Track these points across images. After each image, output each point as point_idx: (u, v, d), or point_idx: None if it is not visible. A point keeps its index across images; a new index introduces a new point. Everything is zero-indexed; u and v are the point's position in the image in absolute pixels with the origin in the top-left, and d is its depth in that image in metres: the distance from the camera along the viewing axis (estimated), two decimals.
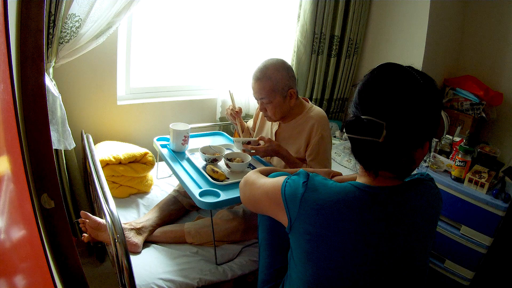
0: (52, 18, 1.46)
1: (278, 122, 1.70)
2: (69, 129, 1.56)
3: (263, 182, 0.98)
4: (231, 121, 1.81)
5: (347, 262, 0.80)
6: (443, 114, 2.21)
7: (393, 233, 0.80)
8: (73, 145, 1.58)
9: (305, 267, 0.85)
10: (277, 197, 0.89)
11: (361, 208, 0.79)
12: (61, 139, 1.51)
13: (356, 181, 0.85)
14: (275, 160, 1.70)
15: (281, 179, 0.91)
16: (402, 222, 0.81)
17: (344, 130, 0.81)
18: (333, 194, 0.81)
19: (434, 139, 2.10)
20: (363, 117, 0.76)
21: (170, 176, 2.00)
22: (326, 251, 0.80)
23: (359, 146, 0.80)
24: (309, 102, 1.69)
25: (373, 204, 0.79)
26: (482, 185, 1.80)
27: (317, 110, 1.63)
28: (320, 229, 0.80)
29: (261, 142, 1.57)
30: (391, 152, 0.77)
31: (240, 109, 1.78)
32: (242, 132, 1.81)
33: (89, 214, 1.40)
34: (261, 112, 1.84)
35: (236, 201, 1.34)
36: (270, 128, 1.75)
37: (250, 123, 1.98)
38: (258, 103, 1.63)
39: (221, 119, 2.36)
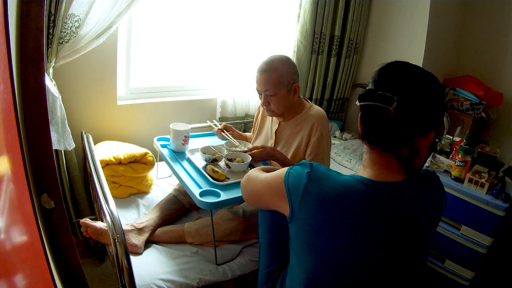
0: (52, 18, 1.46)
1: (278, 121, 1.70)
2: (68, 129, 1.56)
3: (265, 176, 1.00)
4: (221, 138, 1.79)
5: (347, 255, 0.81)
6: None
7: (394, 229, 0.81)
8: (72, 145, 1.58)
9: (305, 257, 0.86)
10: (280, 187, 0.90)
11: (363, 202, 0.80)
12: (61, 140, 1.51)
13: (360, 174, 0.85)
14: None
15: (284, 170, 0.93)
16: (404, 219, 0.81)
17: (357, 102, 0.85)
18: (336, 186, 0.81)
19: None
20: (378, 92, 0.81)
21: (170, 176, 2.00)
22: (326, 243, 0.82)
23: (369, 113, 0.84)
24: (309, 101, 1.70)
25: (376, 199, 0.80)
26: (482, 185, 1.80)
27: (317, 109, 1.64)
28: (321, 221, 0.81)
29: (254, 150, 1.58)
30: (398, 128, 0.80)
31: (224, 125, 1.79)
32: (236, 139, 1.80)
33: (88, 222, 1.39)
34: (260, 113, 1.84)
35: (236, 201, 1.34)
36: (270, 127, 1.75)
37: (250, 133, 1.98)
38: (260, 98, 1.61)
39: (221, 119, 2.36)
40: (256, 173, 1.07)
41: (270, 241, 1.11)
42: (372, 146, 0.85)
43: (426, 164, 2.05)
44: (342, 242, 0.80)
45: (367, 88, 0.85)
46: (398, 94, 0.78)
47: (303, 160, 0.93)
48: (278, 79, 1.52)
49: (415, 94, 0.80)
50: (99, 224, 1.39)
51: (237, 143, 1.70)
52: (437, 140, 2.12)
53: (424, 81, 0.82)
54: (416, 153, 0.82)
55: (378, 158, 0.84)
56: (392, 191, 0.81)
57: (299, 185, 0.85)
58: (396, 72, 0.83)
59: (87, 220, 1.40)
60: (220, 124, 1.82)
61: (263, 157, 1.56)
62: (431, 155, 2.06)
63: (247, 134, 1.98)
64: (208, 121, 1.84)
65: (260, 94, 1.60)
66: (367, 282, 0.83)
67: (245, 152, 1.59)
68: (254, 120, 1.92)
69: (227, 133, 1.75)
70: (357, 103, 0.84)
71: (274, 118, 1.72)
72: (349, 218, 0.79)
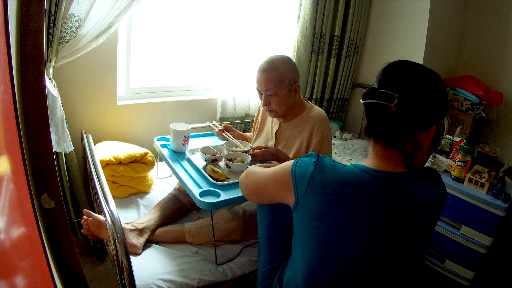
0: (52, 18, 1.46)
1: (278, 122, 1.70)
2: (67, 130, 1.56)
3: (268, 169, 1.03)
4: (222, 139, 1.80)
5: (347, 242, 0.83)
6: None
7: (395, 219, 0.83)
8: (71, 147, 1.58)
9: (306, 244, 0.88)
10: (286, 178, 0.92)
11: (365, 189, 0.82)
12: (60, 141, 1.51)
13: (363, 164, 0.88)
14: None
15: (290, 162, 0.95)
16: (404, 208, 0.83)
17: (361, 100, 0.88)
18: (340, 175, 0.85)
19: None
20: (380, 90, 0.84)
21: (170, 176, 2.00)
22: (328, 229, 0.84)
23: (372, 111, 0.86)
24: (309, 102, 1.70)
25: (377, 187, 0.82)
26: (482, 185, 1.80)
27: (317, 110, 1.63)
28: (325, 207, 0.84)
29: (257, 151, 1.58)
30: (399, 124, 0.82)
31: (225, 125, 1.80)
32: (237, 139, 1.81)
33: (91, 212, 1.40)
34: (260, 113, 1.84)
35: (236, 201, 1.34)
36: (271, 128, 1.75)
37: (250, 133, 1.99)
38: (261, 98, 1.60)
39: (221, 119, 2.36)
40: (256, 168, 1.10)
41: (270, 238, 1.12)
42: (376, 141, 0.88)
43: (426, 165, 2.05)
44: (343, 228, 0.83)
45: (372, 87, 0.88)
46: (399, 92, 0.81)
47: (311, 152, 0.96)
48: (279, 79, 1.52)
49: (416, 90, 0.82)
50: (101, 216, 1.38)
51: (238, 143, 1.70)
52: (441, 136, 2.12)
53: (425, 78, 0.84)
54: (419, 147, 0.84)
55: (381, 151, 0.87)
56: (392, 180, 0.83)
57: (306, 173, 0.88)
58: (398, 71, 0.86)
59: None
60: (220, 124, 1.82)
61: (266, 157, 1.56)
62: (431, 155, 2.06)
63: (247, 134, 1.98)
64: (208, 122, 1.84)
65: (260, 94, 1.60)
66: (366, 269, 0.84)
67: (247, 152, 1.59)
68: (254, 120, 1.92)
69: (228, 134, 1.75)
70: (361, 101, 0.87)
71: (274, 118, 1.72)
72: (351, 204, 0.82)
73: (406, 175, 0.85)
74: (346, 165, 0.88)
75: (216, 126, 1.80)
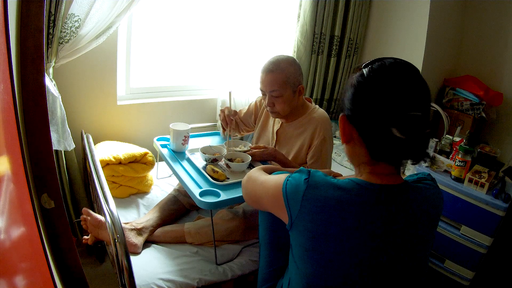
0: (52, 18, 1.46)
1: (280, 122, 1.69)
2: (68, 129, 1.56)
3: (264, 179, 0.99)
4: (223, 125, 1.72)
5: (348, 259, 0.81)
6: (443, 114, 2.21)
7: (394, 232, 0.81)
8: (72, 146, 1.58)
9: (305, 264, 0.85)
10: (278, 195, 0.89)
11: (363, 205, 0.80)
12: (61, 140, 1.51)
13: (357, 177, 0.85)
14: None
15: (282, 177, 0.92)
16: (404, 221, 0.82)
17: (396, 131, 0.74)
18: (335, 191, 0.81)
19: (434, 139, 2.10)
20: (411, 113, 0.75)
21: (170, 176, 2.00)
22: (327, 248, 0.81)
23: (378, 136, 0.78)
24: (312, 102, 1.69)
25: (375, 202, 0.80)
26: (482, 185, 1.80)
27: (320, 111, 1.63)
28: (322, 226, 0.81)
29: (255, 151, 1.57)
30: (409, 149, 0.78)
31: (235, 112, 1.71)
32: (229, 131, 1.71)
33: (91, 211, 1.40)
34: (263, 111, 1.83)
35: (236, 201, 1.34)
36: (272, 127, 1.75)
37: (244, 110, 1.89)
38: (264, 99, 1.59)
39: None
40: (257, 173, 1.06)
41: (270, 241, 1.11)
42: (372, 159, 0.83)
43: (426, 165, 2.05)
44: (344, 245, 0.80)
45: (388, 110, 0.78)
46: (422, 108, 0.77)
47: (301, 167, 0.93)
48: (284, 80, 1.51)
49: (428, 100, 0.79)
50: (100, 216, 1.38)
51: (231, 130, 1.68)
52: (436, 140, 2.12)
53: (416, 81, 0.80)
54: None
55: (376, 166, 0.83)
56: (389, 192, 0.81)
57: (298, 192, 0.84)
58: (400, 83, 0.79)
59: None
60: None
61: (264, 158, 1.56)
62: (432, 155, 2.06)
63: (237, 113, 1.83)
64: (230, 92, 1.70)
65: (264, 94, 1.58)
66: (369, 281, 0.82)
67: (246, 151, 1.59)
68: (252, 110, 1.85)
69: (229, 129, 1.68)
70: (397, 134, 0.74)
71: (276, 118, 1.72)
72: (350, 221, 0.79)
73: (403, 187, 0.83)
74: (339, 179, 0.85)
75: (230, 100, 1.70)
